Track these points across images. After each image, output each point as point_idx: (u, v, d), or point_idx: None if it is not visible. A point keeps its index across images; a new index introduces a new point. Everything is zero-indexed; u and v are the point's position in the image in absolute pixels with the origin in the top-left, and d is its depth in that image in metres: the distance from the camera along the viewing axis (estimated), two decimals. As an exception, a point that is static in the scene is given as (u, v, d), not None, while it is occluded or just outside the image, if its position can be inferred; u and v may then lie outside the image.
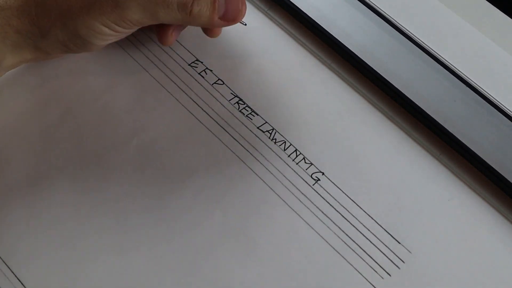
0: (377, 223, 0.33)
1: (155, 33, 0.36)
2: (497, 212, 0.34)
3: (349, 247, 0.32)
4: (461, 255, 0.32)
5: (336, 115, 0.36)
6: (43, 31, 0.30)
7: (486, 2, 0.41)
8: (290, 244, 0.32)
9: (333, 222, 0.33)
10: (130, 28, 0.31)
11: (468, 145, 0.35)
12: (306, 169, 0.34)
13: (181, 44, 0.38)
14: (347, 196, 0.34)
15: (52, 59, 0.36)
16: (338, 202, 0.33)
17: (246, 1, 0.32)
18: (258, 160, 0.34)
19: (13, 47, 0.30)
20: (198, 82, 0.36)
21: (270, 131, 0.35)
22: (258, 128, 0.35)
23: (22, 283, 0.30)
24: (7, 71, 0.32)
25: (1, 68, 0.31)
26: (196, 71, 0.37)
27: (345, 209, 0.33)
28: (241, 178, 0.34)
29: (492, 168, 0.34)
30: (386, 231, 0.33)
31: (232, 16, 0.32)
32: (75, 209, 0.32)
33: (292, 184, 0.34)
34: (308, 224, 0.33)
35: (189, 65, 0.37)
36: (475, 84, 0.37)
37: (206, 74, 0.37)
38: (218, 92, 0.36)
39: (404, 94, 0.36)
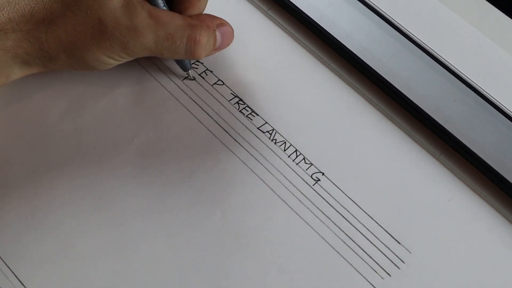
0: (377, 223, 0.33)
1: None
2: (497, 212, 0.34)
3: (349, 247, 0.32)
4: (461, 255, 0.32)
5: (336, 115, 0.36)
6: (52, 55, 0.30)
7: (486, 2, 0.41)
8: (290, 244, 0.32)
9: (333, 222, 0.33)
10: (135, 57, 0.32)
11: (468, 145, 0.35)
12: (306, 170, 0.34)
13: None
14: (347, 196, 0.34)
15: None
16: (338, 202, 0.33)
17: (246, 2, 0.32)
18: (258, 161, 0.34)
19: (22, 64, 0.31)
20: (198, 83, 0.37)
21: (270, 132, 0.35)
22: (258, 128, 0.35)
23: (22, 283, 0.30)
24: (13, 80, 0.32)
25: (8, 79, 0.31)
26: (196, 72, 0.37)
27: (345, 209, 0.33)
28: (241, 179, 0.34)
29: (492, 168, 0.34)
30: (386, 231, 0.33)
31: (223, 46, 0.35)
32: (75, 209, 0.32)
33: (292, 184, 0.34)
34: (308, 224, 0.33)
35: (189, 65, 0.37)
36: (475, 84, 0.37)
37: (207, 75, 0.37)
38: (218, 92, 0.36)
39: (404, 94, 0.36)
